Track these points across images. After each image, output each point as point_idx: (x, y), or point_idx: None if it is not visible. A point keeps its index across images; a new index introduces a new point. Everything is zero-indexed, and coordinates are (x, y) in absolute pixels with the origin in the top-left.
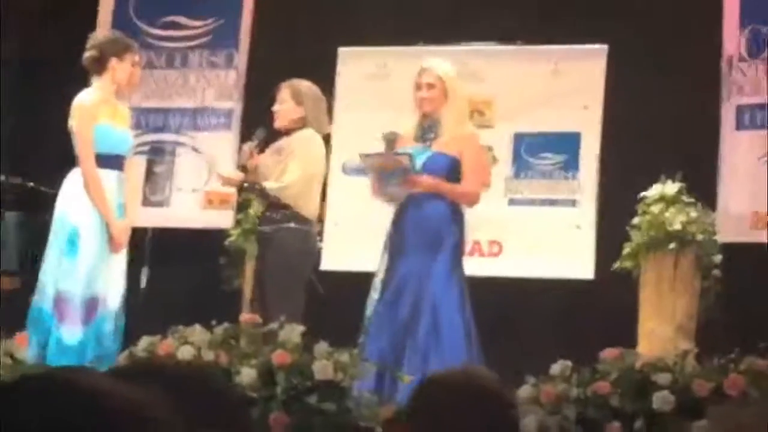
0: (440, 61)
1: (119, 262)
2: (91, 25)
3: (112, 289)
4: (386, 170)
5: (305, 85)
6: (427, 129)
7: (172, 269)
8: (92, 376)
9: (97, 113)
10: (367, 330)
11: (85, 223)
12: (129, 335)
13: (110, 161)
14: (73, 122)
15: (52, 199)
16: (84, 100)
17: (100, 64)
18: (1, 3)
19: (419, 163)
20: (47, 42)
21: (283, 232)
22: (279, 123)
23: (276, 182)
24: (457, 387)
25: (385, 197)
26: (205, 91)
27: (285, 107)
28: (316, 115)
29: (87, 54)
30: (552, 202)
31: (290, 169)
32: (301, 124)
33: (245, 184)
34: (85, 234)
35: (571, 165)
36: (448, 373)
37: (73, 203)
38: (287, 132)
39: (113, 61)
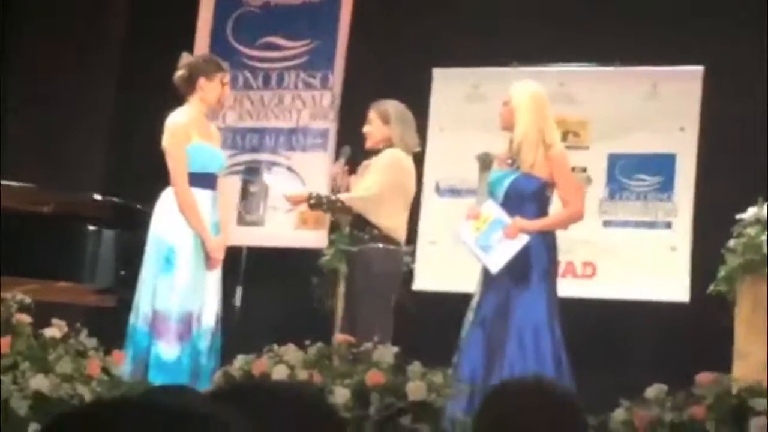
0: (526, 81)
1: (214, 280)
2: (190, 47)
3: (208, 307)
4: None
5: (392, 105)
6: (512, 148)
7: (266, 288)
8: (185, 397)
9: (190, 133)
10: (461, 350)
11: (181, 242)
12: (224, 354)
13: (204, 180)
14: (166, 142)
15: (147, 217)
16: (176, 119)
17: (189, 84)
18: (94, 25)
19: (505, 186)
20: (144, 64)
21: (369, 252)
22: (369, 143)
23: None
24: (528, 394)
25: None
26: (301, 112)
27: (373, 128)
28: (402, 134)
29: (177, 73)
30: (647, 224)
31: (364, 181)
32: (389, 143)
33: (312, 199)
34: (181, 252)
35: (666, 186)
36: (520, 380)
37: (167, 222)
38: (375, 153)
39: (202, 81)
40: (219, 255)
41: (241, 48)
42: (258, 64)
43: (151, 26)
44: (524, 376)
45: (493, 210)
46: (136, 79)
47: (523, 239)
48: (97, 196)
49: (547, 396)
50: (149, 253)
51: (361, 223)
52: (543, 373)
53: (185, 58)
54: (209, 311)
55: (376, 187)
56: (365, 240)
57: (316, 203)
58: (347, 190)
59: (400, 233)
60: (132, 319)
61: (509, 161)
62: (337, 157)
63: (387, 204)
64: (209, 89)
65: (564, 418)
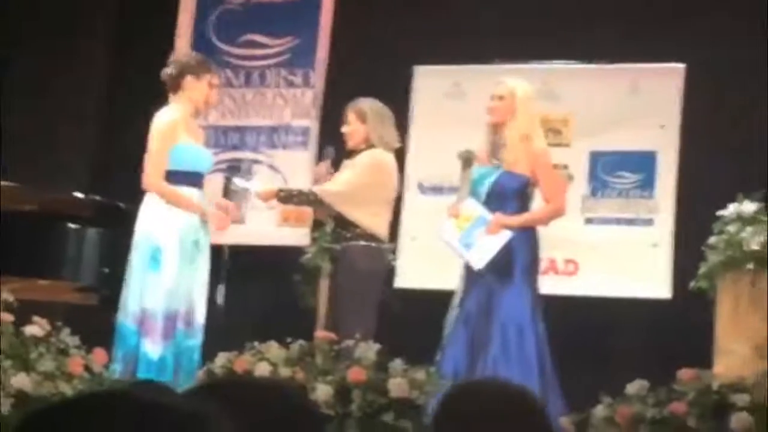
0: (517, 78)
1: (202, 279)
2: (172, 44)
3: (193, 306)
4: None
5: (367, 103)
6: (496, 146)
7: (249, 286)
8: (155, 391)
9: (177, 131)
10: (444, 348)
11: (167, 241)
12: (206, 352)
13: (191, 178)
14: (153, 140)
15: (130, 215)
16: (164, 118)
17: (176, 82)
18: (82, 25)
19: (487, 184)
20: (129, 62)
21: (352, 250)
22: (350, 144)
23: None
24: (485, 395)
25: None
26: (283, 110)
27: (352, 128)
28: (381, 132)
29: (165, 70)
30: (628, 221)
31: (341, 176)
32: (370, 142)
33: (282, 192)
34: (167, 252)
35: (647, 184)
36: (476, 381)
37: (154, 223)
38: (357, 152)
39: (189, 79)
40: (225, 223)
41: (223, 46)
42: (239, 62)
43: (133, 25)
44: (483, 378)
45: (474, 208)
46: (124, 81)
47: (506, 235)
48: (79, 195)
49: (506, 398)
50: (136, 252)
51: (343, 221)
52: (533, 377)
53: (175, 57)
54: (194, 311)
55: (352, 183)
56: (348, 238)
57: (285, 197)
58: (271, 193)
59: (382, 230)
60: (120, 317)
61: (494, 158)
62: (320, 158)
63: (365, 201)
64: (196, 89)
65: (523, 421)
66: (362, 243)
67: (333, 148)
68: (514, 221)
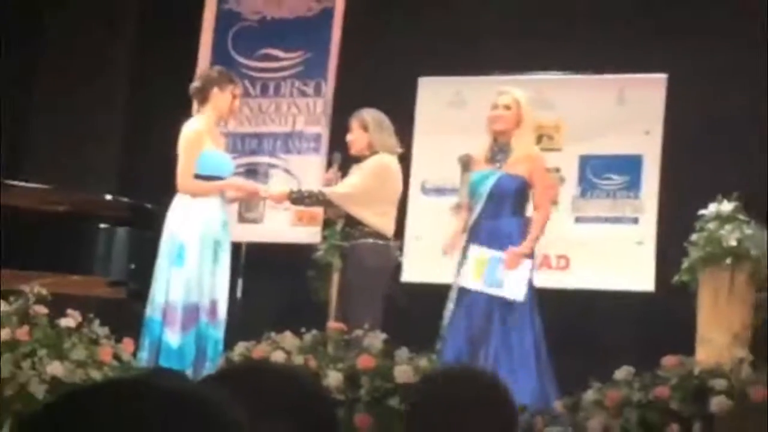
0: (516, 88)
1: (223, 276)
2: (194, 55)
3: (217, 300)
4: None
5: (369, 113)
6: (498, 151)
7: (265, 281)
8: (172, 378)
9: (203, 139)
10: (444, 338)
11: (191, 240)
12: (226, 341)
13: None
14: (182, 146)
15: (155, 215)
16: (192, 127)
17: (202, 94)
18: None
19: (488, 185)
20: (155, 74)
21: (360, 247)
22: (353, 150)
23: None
24: (458, 383)
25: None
26: (296, 118)
27: (355, 135)
28: (381, 139)
29: (193, 84)
30: (615, 220)
31: (349, 179)
32: (373, 148)
33: (293, 194)
34: (190, 248)
35: (633, 185)
36: (447, 369)
37: (180, 224)
38: (363, 158)
39: (214, 91)
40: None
41: (241, 59)
42: (256, 74)
43: (160, 39)
44: (455, 365)
45: (482, 252)
46: (148, 91)
47: (528, 263)
48: (109, 197)
49: (477, 385)
50: (163, 250)
51: (352, 220)
52: (532, 365)
53: (201, 71)
54: (215, 303)
55: (358, 186)
56: (356, 236)
57: (297, 198)
58: (283, 194)
59: (388, 229)
60: (148, 311)
61: (492, 161)
62: (329, 163)
63: (372, 202)
64: (221, 99)
65: (492, 407)
66: (370, 240)
67: (340, 154)
68: (527, 248)
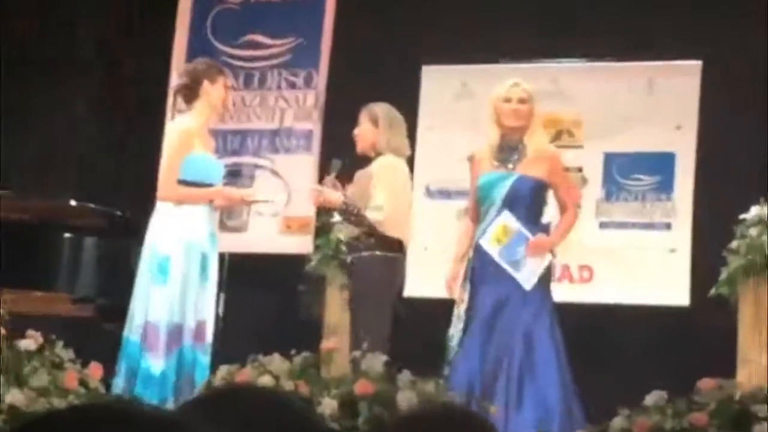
0: (523, 79)
1: (210, 291)
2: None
3: (201, 320)
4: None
5: (381, 108)
6: (509, 150)
7: (250, 296)
8: (143, 405)
9: (192, 141)
10: (453, 360)
11: (175, 252)
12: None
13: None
14: (168, 146)
15: (128, 224)
16: (181, 126)
17: (192, 90)
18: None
19: (504, 188)
20: (123, 73)
21: (369, 260)
22: (359, 146)
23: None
24: (437, 421)
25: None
26: (284, 112)
27: (362, 130)
28: (390, 139)
29: (179, 81)
30: (645, 226)
31: (377, 196)
32: (378, 148)
33: (346, 206)
34: (175, 262)
35: (665, 186)
36: (427, 407)
37: (162, 234)
38: (368, 158)
39: (205, 85)
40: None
41: (222, 47)
42: (239, 63)
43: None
44: (438, 404)
45: (512, 222)
46: (115, 90)
47: (548, 257)
48: (74, 202)
49: (461, 427)
50: (144, 265)
51: (365, 232)
52: (556, 385)
53: (185, 67)
54: (201, 324)
55: (392, 201)
56: (360, 248)
57: (346, 211)
58: (338, 202)
59: (407, 239)
60: (126, 331)
61: (504, 163)
62: (323, 165)
63: (399, 216)
64: (214, 94)
65: None
66: (378, 253)
67: (340, 160)
68: (553, 242)
